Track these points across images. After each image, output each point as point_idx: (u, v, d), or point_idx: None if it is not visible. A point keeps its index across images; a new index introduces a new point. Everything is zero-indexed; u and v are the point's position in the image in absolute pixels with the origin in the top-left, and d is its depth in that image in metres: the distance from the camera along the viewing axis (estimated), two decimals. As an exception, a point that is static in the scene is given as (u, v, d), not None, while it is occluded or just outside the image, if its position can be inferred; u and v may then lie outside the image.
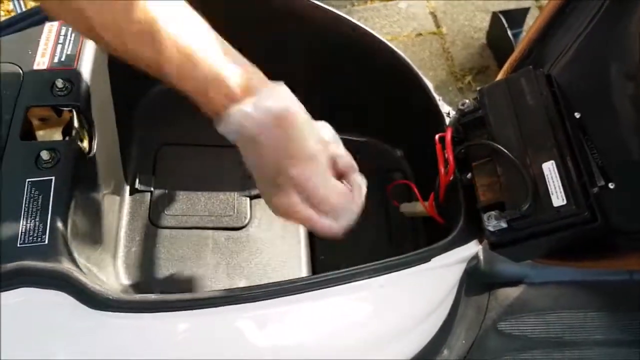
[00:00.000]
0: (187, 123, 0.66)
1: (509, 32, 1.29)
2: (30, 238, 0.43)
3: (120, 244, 0.56)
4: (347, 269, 0.42)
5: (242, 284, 0.56)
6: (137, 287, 0.55)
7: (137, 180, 0.60)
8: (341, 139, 0.74)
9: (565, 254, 0.57)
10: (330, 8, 0.63)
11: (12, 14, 1.67)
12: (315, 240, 0.62)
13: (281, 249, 0.59)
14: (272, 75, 0.68)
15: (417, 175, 0.71)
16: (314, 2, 0.61)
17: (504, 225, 0.50)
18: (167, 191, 0.60)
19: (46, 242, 0.43)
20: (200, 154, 0.64)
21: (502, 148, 0.51)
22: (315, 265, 0.61)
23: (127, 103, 0.61)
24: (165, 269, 0.56)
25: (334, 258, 0.64)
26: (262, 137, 0.41)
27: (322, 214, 0.43)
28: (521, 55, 0.63)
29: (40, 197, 0.45)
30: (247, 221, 0.60)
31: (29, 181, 0.46)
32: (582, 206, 0.47)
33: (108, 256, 0.54)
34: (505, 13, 1.32)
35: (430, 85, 0.62)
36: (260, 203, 0.62)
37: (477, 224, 0.53)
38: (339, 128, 0.74)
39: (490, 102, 0.55)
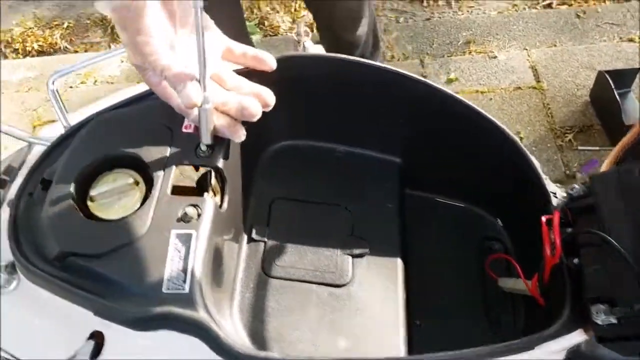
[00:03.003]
0: (299, 180, 0.72)
1: (616, 93, 1.24)
2: (174, 285, 0.50)
3: (237, 290, 0.63)
4: (455, 352, 0.44)
5: (342, 342, 0.60)
6: (248, 331, 0.60)
7: (254, 231, 0.66)
8: (438, 201, 0.77)
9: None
10: (439, 86, 0.66)
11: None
12: (412, 305, 0.65)
13: (380, 310, 0.62)
14: (376, 130, 0.72)
15: (517, 248, 0.71)
16: (428, 83, 0.65)
17: (613, 320, 0.49)
18: (278, 243, 0.66)
19: (187, 290, 0.50)
20: (309, 210, 0.69)
21: (613, 241, 0.51)
22: (412, 330, 0.63)
23: (249, 159, 0.68)
24: (273, 317, 0.61)
25: (430, 325, 0.66)
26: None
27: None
28: (634, 140, 0.62)
29: (183, 248, 0.52)
30: (348, 280, 0.64)
31: (174, 232, 0.53)
32: (703, 313, 0.46)
33: (226, 299, 0.60)
34: (612, 72, 1.28)
35: (537, 165, 0.63)
36: (362, 263, 0.66)
37: (583, 312, 0.53)
38: (436, 190, 0.77)
39: (602, 190, 0.55)
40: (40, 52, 2.27)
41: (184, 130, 0.60)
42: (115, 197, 0.57)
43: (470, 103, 0.67)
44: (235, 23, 1.14)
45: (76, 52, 2.21)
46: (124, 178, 0.58)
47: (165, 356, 0.48)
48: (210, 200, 0.56)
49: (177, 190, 0.58)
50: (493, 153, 0.68)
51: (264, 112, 0.66)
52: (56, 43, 2.26)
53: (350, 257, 0.66)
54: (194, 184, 0.60)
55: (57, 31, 2.30)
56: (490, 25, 1.48)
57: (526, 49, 1.49)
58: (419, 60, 1.49)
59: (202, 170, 0.60)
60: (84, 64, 0.71)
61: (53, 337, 0.55)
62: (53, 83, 0.73)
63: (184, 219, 0.54)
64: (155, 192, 0.56)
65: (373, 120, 0.72)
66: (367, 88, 0.68)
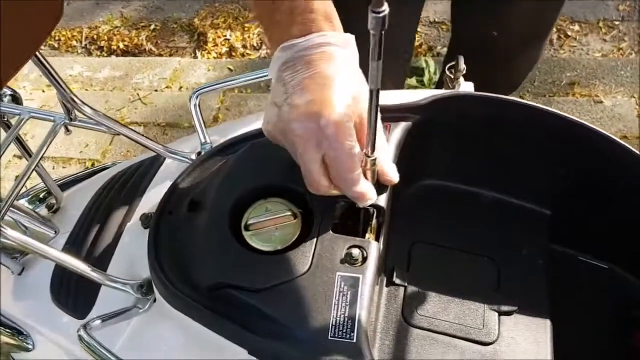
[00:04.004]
0: (442, 223, 0.68)
1: None
2: (340, 333, 0.47)
3: (377, 335, 0.59)
4: None
5: (490, 406, 0.55)
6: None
7: (394, 274, 0.63)
8: (581, 260, 0.72)
9: None
10: (610, 135, 0.61)
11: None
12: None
13: (530, 375, 0.58)
14: (528, 178, 0.67)
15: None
16: (599, 132, 0.61)
17: None
18: (419, 289, 0.62)
19: (354, 340, 0.47)
20: (452, 257, 0.65)
21: None
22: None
23: (395, 195, 0.65)
24: (415, 370, 0.57)
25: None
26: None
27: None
28: None
29: (349, 293, 0.49)
30: (495, 338, 0.60)
31: (339, 275, 0.50)
32: None
33: (365, 347, 0.57)
34: None
35: None
36: (509, 321, 0.61)
37: None
38: (581, 247, 0.71)
39: None
40: (125, 52, 2.33)
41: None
42: (271, 228, 0.55)
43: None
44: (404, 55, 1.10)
45: (161, 55, 2.26)
46: (280, 208, 0.56)
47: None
48: (375, 244, 0.53)
49: (336, 227, 0.56)
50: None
51: (416, 147, 0.64)
52: (141, 44, 2.31)
53: (496, 314, 0.61)
54: (351, 222, 0.58)
55: (144, 32, 2.36)
56: (596, 68, 1.41)
57: (634, 97, 1.42)
58: (519, 97, 1.44)
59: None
60: (230, 84, 0.71)
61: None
62: (197, 98, 0.72)
63: (349, 260, 0.51)
64: (316, 228, 0.54)
65: (527, 168, 0.67)
66: (527, 133, 0.64)
